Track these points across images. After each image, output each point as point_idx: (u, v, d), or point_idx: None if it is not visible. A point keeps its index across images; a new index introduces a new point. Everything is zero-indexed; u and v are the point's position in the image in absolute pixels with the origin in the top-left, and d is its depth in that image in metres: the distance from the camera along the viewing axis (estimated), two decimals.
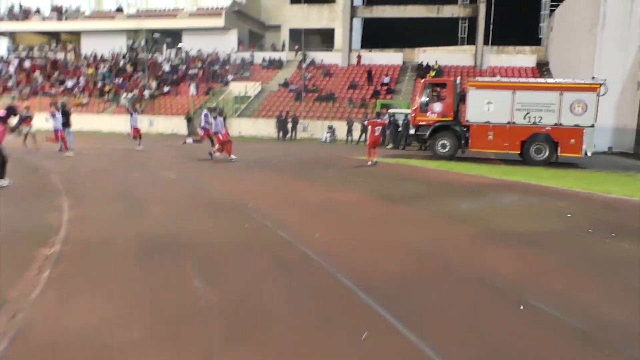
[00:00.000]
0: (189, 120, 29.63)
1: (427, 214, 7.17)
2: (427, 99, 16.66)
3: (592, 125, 14.81)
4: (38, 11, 45.04)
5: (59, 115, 15.50)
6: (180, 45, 42.51)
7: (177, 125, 31.54)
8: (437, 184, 10.71)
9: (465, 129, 16.22)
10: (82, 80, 39.08)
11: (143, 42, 43.26)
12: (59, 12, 44.15)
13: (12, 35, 46.84)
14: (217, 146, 14.77)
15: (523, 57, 34.98)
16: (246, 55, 39.75)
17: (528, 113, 15.26)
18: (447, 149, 16.43)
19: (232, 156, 14.38)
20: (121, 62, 40.90)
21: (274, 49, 41.78)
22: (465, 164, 15.00)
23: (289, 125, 28.43)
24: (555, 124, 15.10)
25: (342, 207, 7.68)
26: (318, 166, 13.82)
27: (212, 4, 42.17)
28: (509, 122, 15.51)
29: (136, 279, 4.13)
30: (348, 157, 16.58)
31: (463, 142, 16.28)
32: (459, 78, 18.03)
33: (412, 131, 17.04)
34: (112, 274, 4.25)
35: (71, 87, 38.43)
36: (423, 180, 11.50)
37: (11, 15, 44.79)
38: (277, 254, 4.94)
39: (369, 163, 13.99)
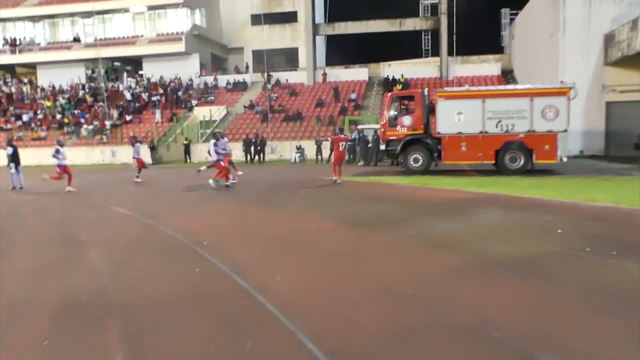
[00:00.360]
0: (153, 148, 28.49)
1: (405, 242, 6.39)
2: (396, 112, 16.08)
3: (565, 130, 14.41)
4: None
5: (62, 151, 14.52)
6: (141, 72, 41.46)
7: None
8: (413, 203, 9.98)
9: (437, 142, 15.66)
10: (39, 113, 37.57)
11: (103, 71, 42.12)
12: (12, 45, 42.64)
13: None
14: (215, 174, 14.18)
15: (487, 65, 35.11)
16: (209, 79, 38.99)
17: (500, 121, 14.80)
18: (420, 163, 15.81)
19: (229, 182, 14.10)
20: (80, 93, 39.57)
21: (237, 71, 41.08)
22: (440, 177, 14.40)
23: (257, 148, 27.55)
24: (529, 131, 14.65)
25: (309, 239, 6.85)
26: (285, 190, 12.98)
27: (171, 29, 41.39)
28: (481, 132, 15.00)
29: None
30: (317, 177, 15.79)
31: (436, 155, 15.70)
32: (426, 89, 17.53)
33: (382, 147, 16.40)
34: (10, 353, 3.31)
35: (28, 120, 36.86)
36: (398, 199, 10.75)
37: None
38: (229, 309, 4.07)
39: (335, 179, 13.52)
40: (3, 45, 43.09)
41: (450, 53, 34.89)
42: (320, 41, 44.00)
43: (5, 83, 43.92)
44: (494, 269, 4.93)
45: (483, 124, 14.95)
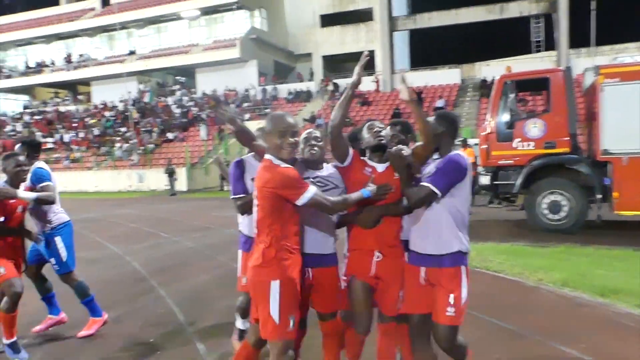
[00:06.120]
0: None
1: None
2: (512, 114, 8.46)
3: None
4: (53, 63, 40.88)
5: None
6: (181, 80, 36.78)
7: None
8: None
9: (600, 170, 7.84)
10: (82, 132, 33.76)
11: (148, 86, 38.01)
12: (68, 62, 39.75)
13: (31, 91, 43.23)
14: None
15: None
16: (269, 88, 33.14)
17: None
18: (563, 214, 8.01)
19: None
20: (129, 109, 35.39)
21: (300, 79, 34.82)
22: (631, 257, 6.55)
23: None
24: None
25: None
26: None
27: (228, 35, 36.19)
28: None
29: None
30: None
31: (598, 196, 7.84)
32: (571, 66, 9.71)
33: (484, 180, 8.73)
34: None
35: (68, 140, 33.08)
36: None
37: (26, 71, 41.06)
38: None
39: None
40: (62, 62, 40.50)
41: (572, 44, 26.06)
42: (401, 40, 36.76)
43: (64, 101, 41.36)
44: None
45: None
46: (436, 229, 2.76)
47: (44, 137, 34.77)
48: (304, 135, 3.07)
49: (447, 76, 29.47)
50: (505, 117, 8.44)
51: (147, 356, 3.87)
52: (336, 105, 2.87)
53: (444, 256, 2.72)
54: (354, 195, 2.74)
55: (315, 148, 3.01)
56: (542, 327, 4.05)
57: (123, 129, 32.90)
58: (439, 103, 26.34)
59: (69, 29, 39.59)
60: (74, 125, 35.48)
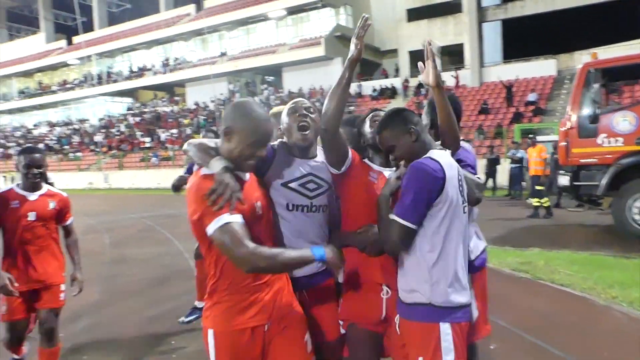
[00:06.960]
0: None
1: None
2: (595, 107, 7.52)
3: None
4: (153, 67, 43.79)
5: None
6: (269, 80, 37.59)
7: None
8: None
9: None
10: (176, 132, 35.78)
11: (243, 85, 39.38)
12: (165, 65, 42.31)
13: (134, 94, 46.69)
14: None
15: None
16: (353, 86, 32.92)
17: None
18: None
19: None
20: (219, 109, 36.97)
21: (385, 75, 34.23)
22: None
23: None
24: None
25: None
26: None
27: (314, 33, 36.47)
28: None
29: None
30: None
31: None
32: None
33: (563, 180, 7.83)
34: None
35: (164, 139, 35.25)
36: None
37: (130, 75, 44.35)
38: None
39: None
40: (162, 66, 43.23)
41: None
42: (493, 31, 34.79)
43: (162, 102, 44.14)
44: None
45: None
46: (401, 264, 2.01)
47: (143, 136, 37.47)
48: (290, 106, 2.26)
49: (541, 68, 27.42)
50: (589, 110, 7.51)
51: (160, 357, 3.80)
52: (329, 93, 2.08)
53: (410, 305, 1.94)
54: (293, 254, 1.87)
55: (308, 129, 2.19)
56: (601, 358, 3.43)
57: (214, 128, 34.39)
58: (532, 97, 24.67)
59: (166, 34, 41.93)
60: (169, 125, 37.71)
